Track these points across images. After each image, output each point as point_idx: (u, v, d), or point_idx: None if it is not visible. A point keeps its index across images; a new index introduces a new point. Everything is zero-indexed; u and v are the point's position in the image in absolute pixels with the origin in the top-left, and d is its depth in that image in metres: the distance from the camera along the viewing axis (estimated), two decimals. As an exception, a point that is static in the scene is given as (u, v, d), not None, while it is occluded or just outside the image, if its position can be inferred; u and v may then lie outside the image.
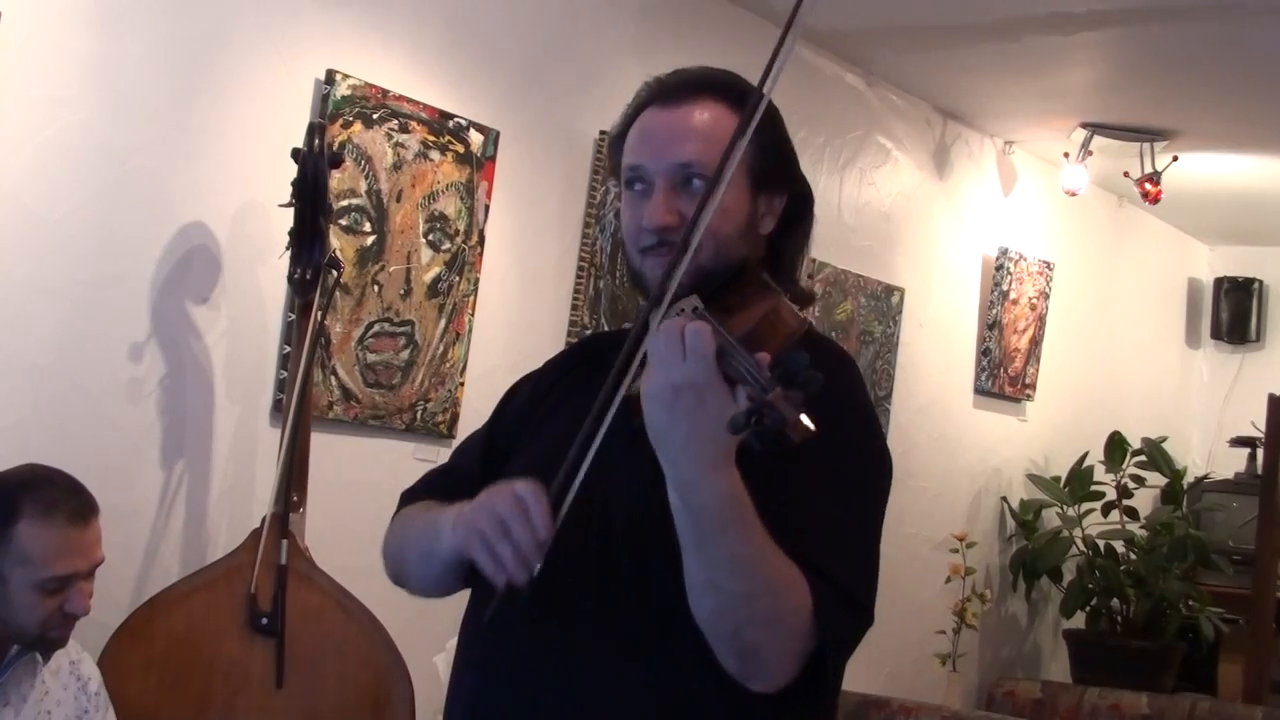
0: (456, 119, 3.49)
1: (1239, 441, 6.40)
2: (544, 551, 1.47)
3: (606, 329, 3.82)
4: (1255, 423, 5.77)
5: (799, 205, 1.72)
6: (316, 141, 2.82)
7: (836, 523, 1.55)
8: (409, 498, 1.84)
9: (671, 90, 1.68)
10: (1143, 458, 5.80)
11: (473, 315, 3.56)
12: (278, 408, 3.11)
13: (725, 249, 1.60)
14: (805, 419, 1.30)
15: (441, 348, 3.49)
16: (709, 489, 1.40)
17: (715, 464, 1.40)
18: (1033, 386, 5.83)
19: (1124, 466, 5.76)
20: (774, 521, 1.45)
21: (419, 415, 3.45)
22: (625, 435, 1.50)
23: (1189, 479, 6.10)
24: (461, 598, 1.73)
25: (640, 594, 1.55)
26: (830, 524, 1.54)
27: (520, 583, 1.47)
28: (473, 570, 1.58)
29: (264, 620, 2.71)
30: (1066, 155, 5.40)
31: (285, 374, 3.06)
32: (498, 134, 3.59)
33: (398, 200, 3.37)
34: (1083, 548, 5.59)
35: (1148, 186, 5.33)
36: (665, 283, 1.51)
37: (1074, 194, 5.50)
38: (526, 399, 1.82)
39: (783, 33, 1.53)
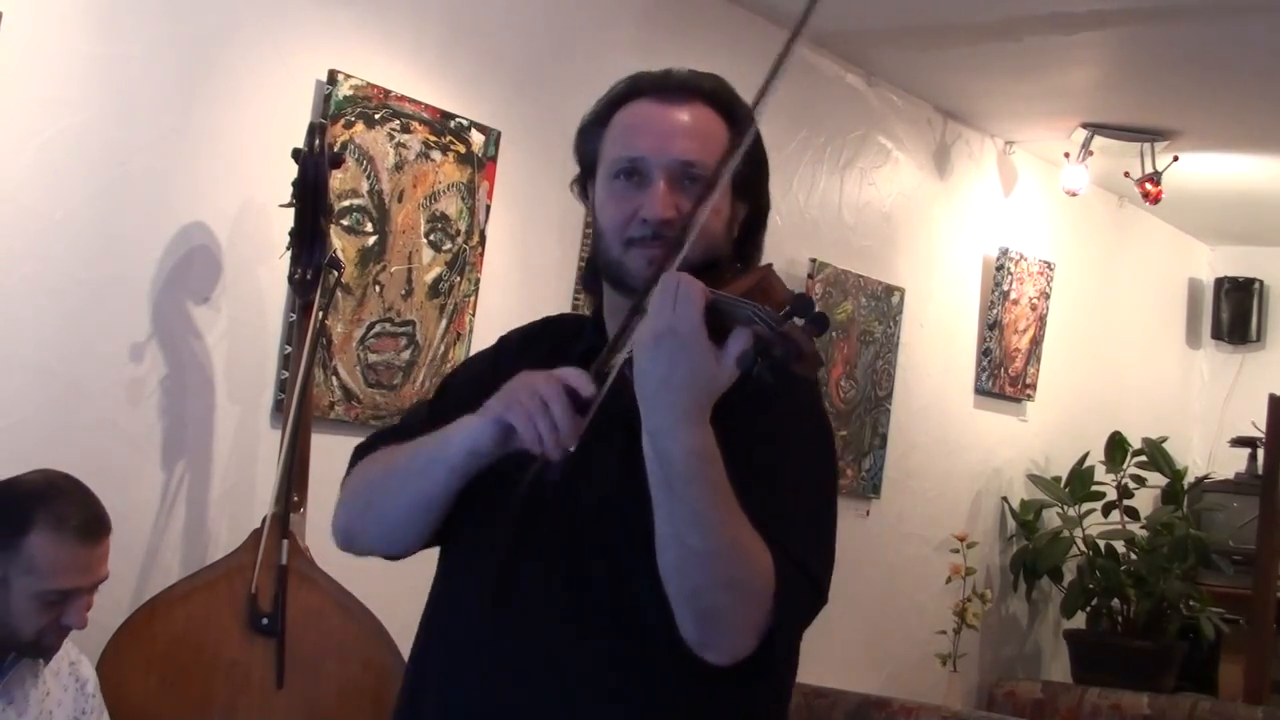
0: (458, 119, 3.49)
1: (1239, 441, 6.40)
2: (580, 432, 1.50)
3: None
4: (1256, 423, 5.77)
5: (757, 216, 1.76)
6: (317, 142, 2.83)
7: (802, 502, 1.61)
8: (364, 451, 1.82)
9: (668, 88, 1.70)
10: (1143, 458, 5.80)
11: (474, 315, 3.56)
12: (278, 408, 3.11)
13: (711, 247, 1.63)
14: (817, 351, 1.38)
15: (443, 348, 3.49)
16: (678, 439, 1.44)
17: (688, 416, 1.44)
18: (1033, 387, 5.83)
19: (1124, 467, 5.76)
20: (743, 493, 1.48)
21: (420, 415, 3.44)
22: (603, 424, 1.53)
23: (1189, 479, 6.10)
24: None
25: (604, 576, 1.59)
26: (797, 503, 1.59)
27: (556, 458, 1.50)
28: (446, 529, 1.67)
29: (264, 620, 2.71)
30: (1067, 155, 5.39)
31: (286, 374, 3.06)
32: (499, 134, 3.59)
33: (399, 200, 3.37)
34: (1083, 548, 5.59)
35: (1148, 186, 5.33)
36: (660, 273, 1.53)
37: (1074, 194, 5.50)
38: (478, 375, 1.79)
39: (780, 55, 1.58)
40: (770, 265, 1.63)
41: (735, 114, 1.69)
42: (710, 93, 1.71)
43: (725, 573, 1.47)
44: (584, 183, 1.76)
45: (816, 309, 1.40)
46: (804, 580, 1.55)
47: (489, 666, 1.62)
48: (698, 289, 1.45)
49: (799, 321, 1.40)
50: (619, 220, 1.66)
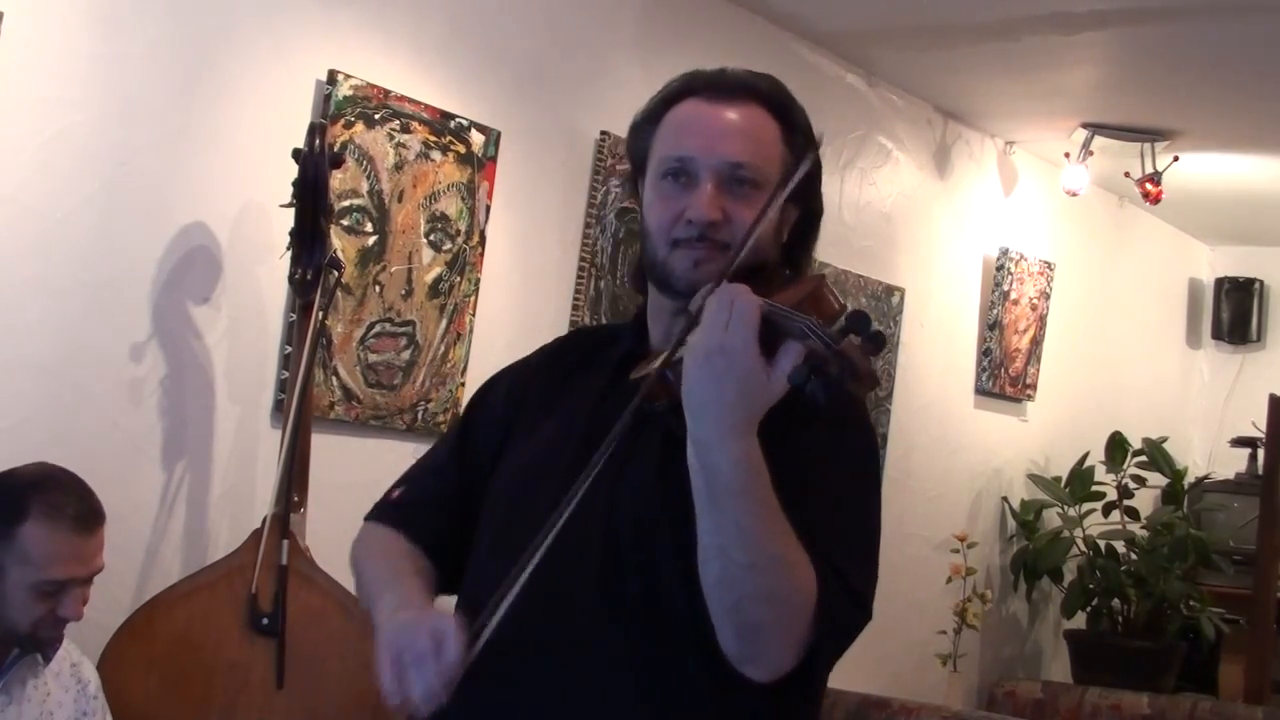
0: (458, 119, 3.49)
1: (1239, 442, 6.40)
2: (447, 694, 1.46)
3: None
4: (1256, 423, 5.77)
5: (809, 220, 1.74)
6: (317, 142, 2.82)
7: (848, 517, 1.58)
8: (379, 514, 1.82)
9: (721, 87, 1.68)
10: (1143, 458, 5.80)
11: (474, 315, 3.56)
12: (279, 408, 3.11)
13: (759, 253, 1.61)
14: (874, 371, 1.35)
15: (443, 348, 3.49)
16: (724, 451, 1.42)
17: (734, 429, 1.42)
18: (1033, 387, 5.83)
19: (1125, 467, 5.76)
20: (789, 506, 1.46)
21: (420, 415, 3.45)
22: (634, 439, 1.52)
23: (1190, 479, 6.10)
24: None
25: (641, 591, 1.56)
26: (843, 518, 1.56)
27: (417, 717, 1.47)
28: (445, 581, 1.68)
29: (265, 620, 2.71)
30: (1067, 155, 5.39)
31: (286, 374, 3.06)
32: (499, 134, 3.59)
33: (399, 200, 3.37)
34: (1083, 548, 5.59)
35: (1148, 186, 5.33)
36: (715, 287, 1.51)
37: (1075, 194, 5.50)
38: (504, 396, 1.80)
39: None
40: (823, 276, 1.60)
41: (789, 115, 1.68)
42: (764, 93, 1.69)
43: (768, 586, 1.45)
44: (635, 181, 1.73)
45: (874, 326, 1.37)
46: (848, 597, 1.52)
47: (517, 671, 1.59)
48: (753, 307, 1.43)
49: (855, 339, 1.36)
50: (665, 221, 1.64)
